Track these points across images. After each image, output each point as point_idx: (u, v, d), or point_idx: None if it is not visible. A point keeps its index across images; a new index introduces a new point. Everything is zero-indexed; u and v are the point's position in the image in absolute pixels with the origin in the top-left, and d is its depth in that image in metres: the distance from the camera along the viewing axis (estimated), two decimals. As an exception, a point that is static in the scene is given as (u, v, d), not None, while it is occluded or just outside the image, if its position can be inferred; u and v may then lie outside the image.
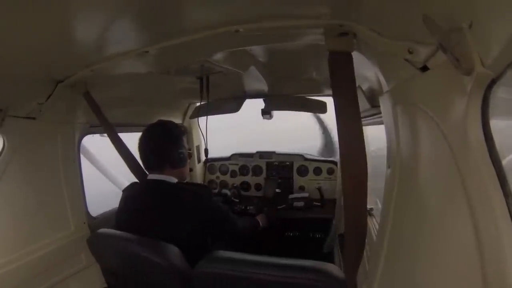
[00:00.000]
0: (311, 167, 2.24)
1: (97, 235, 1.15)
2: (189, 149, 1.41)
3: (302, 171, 2.25)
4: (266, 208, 1.98)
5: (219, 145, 2.57)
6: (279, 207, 2.00)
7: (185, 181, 1.37)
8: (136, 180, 1.43)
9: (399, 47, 0.57)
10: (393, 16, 0.59)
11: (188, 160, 1.34)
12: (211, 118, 1.64)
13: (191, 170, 1.43)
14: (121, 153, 1.44)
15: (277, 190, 2.17)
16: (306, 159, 2.26)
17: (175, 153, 1.24)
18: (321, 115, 3.08)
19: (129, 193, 1.29)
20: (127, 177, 1.67)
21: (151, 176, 1.25)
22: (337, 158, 2.21)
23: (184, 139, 1.31)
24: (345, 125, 0.73)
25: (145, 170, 1.30)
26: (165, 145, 1.24)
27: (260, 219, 1.75)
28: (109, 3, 0.61)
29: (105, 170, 2.42)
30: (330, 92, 0.76)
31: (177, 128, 1.30)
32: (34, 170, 1.21)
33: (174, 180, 1.25)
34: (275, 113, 2.16)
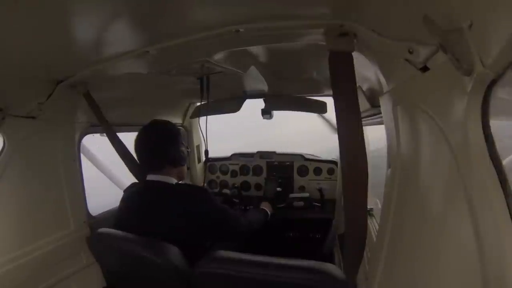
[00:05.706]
0: (311, 167, 2.24)
1: (97, 234, 1.15)
2: (187, 148, 1.40)
3: (303, 171, 2.25)
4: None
5: (228, 149, 2.56)
6: (279, 205, 2.01)
7: (184, 183, 1.37)
8: (136, 180, 1.43)
9: (400, 47, 0.57)
10: (394, 16, 0.59)
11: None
12: (219, 122, 1.63)
13: (188, 168, 1.42)
14: (120, 153, 1.44)
15: (278, 189, 2.17)
16: (306, 159, 2.26)
17: (176, 151, 1.25)
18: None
19: (129, 193, 1.29)
20: (127, 177, 1.66)
21: (150, 177, 1.25)
22: (337, 158, 2.21)
23: (182, 137, 1.32)
24: (345, 125, 0.73)
25: (143, 170, 1.29)
26: (166, 144, 1.24)
27: (267, 208, 1.76)
28: (110, 3, 0.61)
29: (106, 169, 2.43)
30: (330, 92, 0.76)
31: (174, 127, 1.32)
32: (34, 169, 1.21)
33: (174, 181, 1.25)
34: (286, 117, 2.13)
